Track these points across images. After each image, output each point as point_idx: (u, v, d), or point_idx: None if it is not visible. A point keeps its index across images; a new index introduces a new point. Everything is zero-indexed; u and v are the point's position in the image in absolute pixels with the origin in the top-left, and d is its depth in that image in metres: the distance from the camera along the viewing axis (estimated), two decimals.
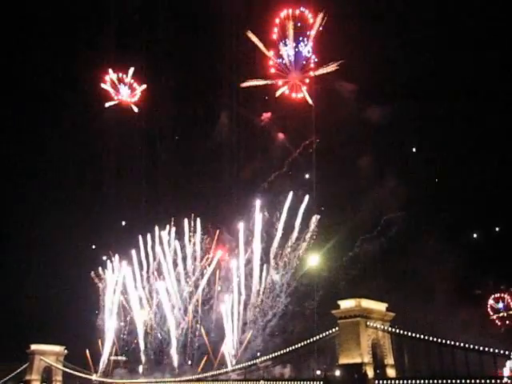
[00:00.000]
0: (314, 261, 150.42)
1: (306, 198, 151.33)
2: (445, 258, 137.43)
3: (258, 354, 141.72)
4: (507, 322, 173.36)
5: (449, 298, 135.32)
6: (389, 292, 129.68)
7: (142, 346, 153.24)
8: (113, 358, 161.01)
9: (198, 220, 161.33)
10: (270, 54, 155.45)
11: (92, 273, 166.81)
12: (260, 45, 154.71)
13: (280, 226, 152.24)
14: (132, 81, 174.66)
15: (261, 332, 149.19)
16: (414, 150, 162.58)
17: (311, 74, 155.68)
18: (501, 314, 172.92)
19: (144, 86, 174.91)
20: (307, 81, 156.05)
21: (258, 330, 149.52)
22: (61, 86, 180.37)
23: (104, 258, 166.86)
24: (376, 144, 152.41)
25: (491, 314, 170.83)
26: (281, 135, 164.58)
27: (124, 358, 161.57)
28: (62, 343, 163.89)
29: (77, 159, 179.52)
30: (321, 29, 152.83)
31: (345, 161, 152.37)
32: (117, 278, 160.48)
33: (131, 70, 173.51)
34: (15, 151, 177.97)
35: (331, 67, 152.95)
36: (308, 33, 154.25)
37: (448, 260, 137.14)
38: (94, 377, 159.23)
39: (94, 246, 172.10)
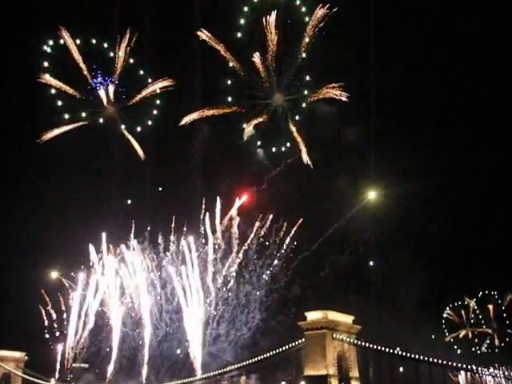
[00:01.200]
0: (285, 277, 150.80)
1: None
2: (411, 274, 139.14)
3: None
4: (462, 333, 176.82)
5: (414, 313, 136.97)
6: (356, 306, 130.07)
7: (114, 353, 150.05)
8: (75, 365, 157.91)
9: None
10: None
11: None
12: None
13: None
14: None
15: (233, 345, 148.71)
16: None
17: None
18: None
19: None
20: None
21: (229, 343, 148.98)
22: None
23: None
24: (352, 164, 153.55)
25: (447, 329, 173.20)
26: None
27: (86, 366, 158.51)
28: (23, 349, 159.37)
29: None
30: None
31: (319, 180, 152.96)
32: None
33: None
34: None
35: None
36: None
37: (414, 275, 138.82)
38: (52, 383, 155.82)
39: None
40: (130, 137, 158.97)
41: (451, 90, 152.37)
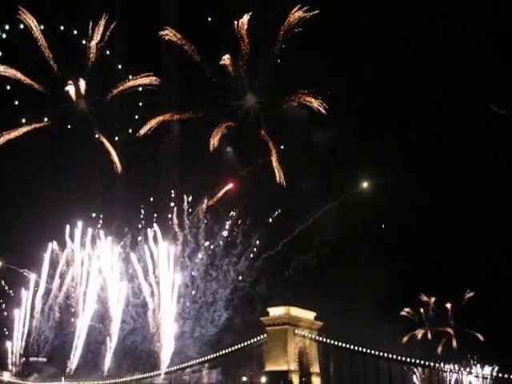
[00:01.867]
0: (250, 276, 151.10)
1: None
2: (373, 273, 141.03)
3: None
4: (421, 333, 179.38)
5: (375, 311, 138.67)
6: (319, 304, 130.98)
7: (79, 347, 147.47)
8: (32, 359, 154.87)
9: None
10: None
11: None
12: None
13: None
14: None
15: (197, 342, 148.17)
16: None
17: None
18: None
19: None
20: None
21: (194, 340, 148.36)
22: None
23: None
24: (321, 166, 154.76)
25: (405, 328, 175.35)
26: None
27: (44, 360, 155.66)
28: None
29: None
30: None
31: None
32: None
33: None
34: None
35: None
36: None
37: (375, 275, 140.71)
38: (5, 377, 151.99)
39: None
40: (108, 145, 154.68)
41: (427, 91, 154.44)
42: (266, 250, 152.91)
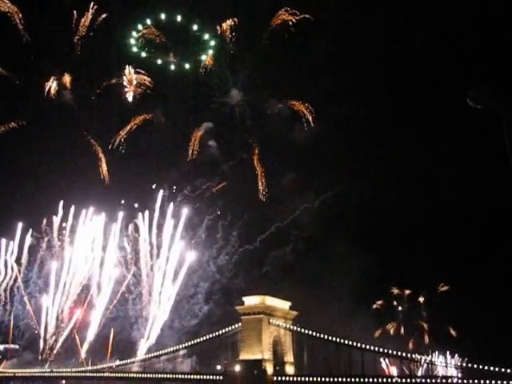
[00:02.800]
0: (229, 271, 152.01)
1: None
2: (350, 263, 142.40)
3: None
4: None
5: (350, 303, 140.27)
6: (295, 294, 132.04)
7: (42, 333, 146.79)
8: (4, 345, 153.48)
9: None
10: None
11: None
12: None
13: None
14: None
15: (175, 332, 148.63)
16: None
17: None
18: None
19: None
20: None
21: (173, 331, 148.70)
22: None
23: None
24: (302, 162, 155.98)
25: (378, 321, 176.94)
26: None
27: (16, 347, 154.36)
28: None
29: None
30: None
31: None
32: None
33: None
34: None
35: None
36: None
37: (353, 264, 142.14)
38: None
39: None
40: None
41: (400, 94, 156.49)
42: (244, 245, 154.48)
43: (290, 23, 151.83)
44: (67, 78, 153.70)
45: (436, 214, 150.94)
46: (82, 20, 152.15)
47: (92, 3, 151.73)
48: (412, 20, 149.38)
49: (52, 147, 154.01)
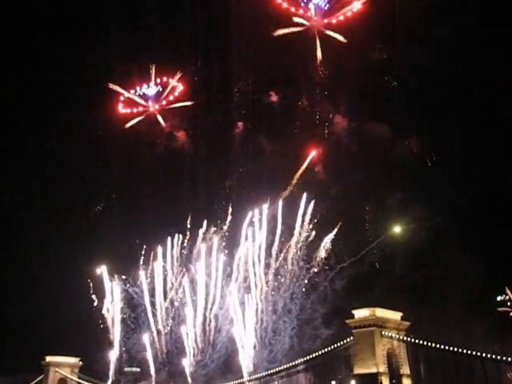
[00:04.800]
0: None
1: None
2: (462, 268, 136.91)
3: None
4: None
5: (466, 308, 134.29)
6: (405, 304, 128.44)
7: (150, 355, 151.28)
8: (127, 369, 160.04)
9: None
10: None
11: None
12: None
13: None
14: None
15: (280, 346, 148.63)
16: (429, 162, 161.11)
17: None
18: None
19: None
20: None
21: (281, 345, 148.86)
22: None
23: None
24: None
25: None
26: None
27: (138, 370, 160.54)
28: (77, 354, 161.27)
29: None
30: None
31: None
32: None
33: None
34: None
35: None
36: None
37: (465, 269, 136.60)
38: None
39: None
40: None
41: None
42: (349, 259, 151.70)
43: None
44: None
45: None
46: None
47: None
48: None
49: None
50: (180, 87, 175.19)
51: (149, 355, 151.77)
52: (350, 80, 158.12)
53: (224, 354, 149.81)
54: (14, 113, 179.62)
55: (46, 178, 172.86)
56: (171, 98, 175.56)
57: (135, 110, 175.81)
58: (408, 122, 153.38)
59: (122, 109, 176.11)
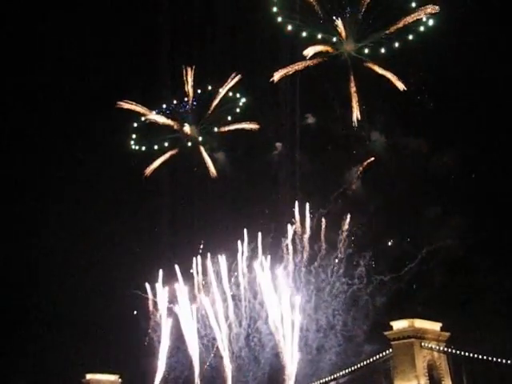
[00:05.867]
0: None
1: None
2: (502, 277, 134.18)
3: None
4: None
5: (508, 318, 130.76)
6: (444, 313, 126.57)
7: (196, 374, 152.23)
8: None
9: None
10: None
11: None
12: None
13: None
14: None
15: (325, 363, 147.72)
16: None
17: None
18: None
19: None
20: None
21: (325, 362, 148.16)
22: None
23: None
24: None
25: None
26: None
27: None
28: (117, 371, 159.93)
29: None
30: None
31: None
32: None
33: None
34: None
35: None
36: None
37: (506, 278, 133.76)
38: None
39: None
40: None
41: None
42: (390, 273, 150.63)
43: None
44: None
45: None
46: None
47: None
48: None
49: None
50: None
51: (195, 374, 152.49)
52: (386, 98, 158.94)
53: (268, 370, 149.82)
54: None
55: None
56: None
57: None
58: (444, 135, 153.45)
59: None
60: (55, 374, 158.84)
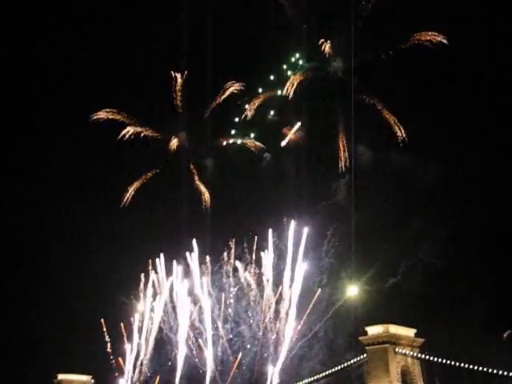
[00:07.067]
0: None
1: None
2: (480, 284, 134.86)
3: None
4: None
5: (484, 325, 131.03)
6: (418, 320, 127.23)
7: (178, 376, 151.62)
8: None
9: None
10: None
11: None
12: None
13: None
14: None
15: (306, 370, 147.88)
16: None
17: None
18: None
19: None
20: None
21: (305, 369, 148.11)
22: None
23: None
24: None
25: None
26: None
27: None
28: (89, 372, 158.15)
29: None
30: None
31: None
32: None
33: None
34: None
35: None
36: None
37: (483, 285, 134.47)
38: None
39: None
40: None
41: None
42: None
43: None
44: None
45: None
46: None
47: None
48: None
49: None
50: None
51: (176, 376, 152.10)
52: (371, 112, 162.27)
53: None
54: None
55: None
56: None
57: None
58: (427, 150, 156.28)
59: None
60: (26, 374, 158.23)
